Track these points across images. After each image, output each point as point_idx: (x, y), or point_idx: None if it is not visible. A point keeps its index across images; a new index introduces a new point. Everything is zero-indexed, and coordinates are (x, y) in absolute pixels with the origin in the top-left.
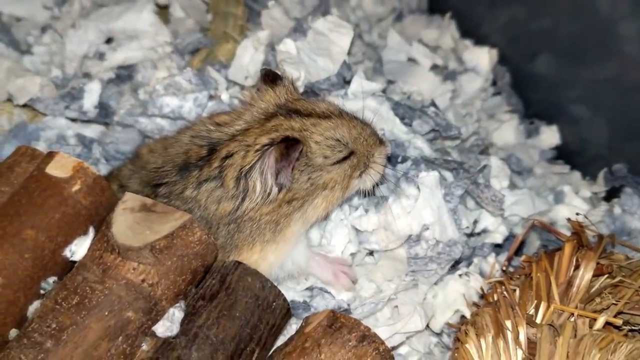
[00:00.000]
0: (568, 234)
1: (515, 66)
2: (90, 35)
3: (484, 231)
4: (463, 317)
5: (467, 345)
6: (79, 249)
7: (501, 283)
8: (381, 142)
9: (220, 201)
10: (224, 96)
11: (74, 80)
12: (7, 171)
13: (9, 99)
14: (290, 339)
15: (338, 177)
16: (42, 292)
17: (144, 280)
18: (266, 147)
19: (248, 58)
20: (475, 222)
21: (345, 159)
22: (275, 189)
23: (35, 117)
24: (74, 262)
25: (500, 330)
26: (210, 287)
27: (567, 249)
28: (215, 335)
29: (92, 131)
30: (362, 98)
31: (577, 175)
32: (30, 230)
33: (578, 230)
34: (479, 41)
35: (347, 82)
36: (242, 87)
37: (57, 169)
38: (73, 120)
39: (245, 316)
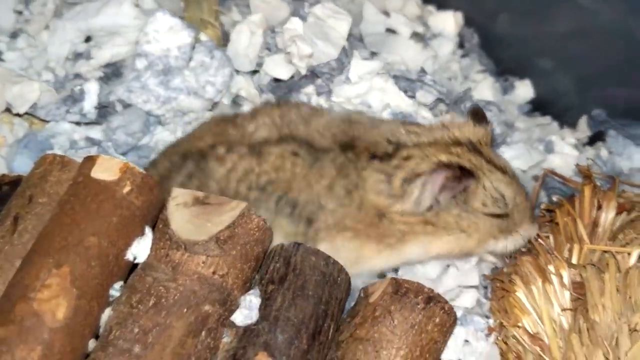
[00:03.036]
0: (576, 179)
1: (481, 27)
2: (70, 35)
3: None
4: (495, 268)
5: (517, 294)
6: (140, 250)
7: None
8: (533, 220)
9: (380, 194)
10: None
11: (68, 82)
12: (41, 181)
13: (7, 109)
14: (356, 311)
15: (483, 228)
16: (110, 299)
17: (214, 272)
18: (442, 165)
19: (245, 42)
20: None
21: (499, 216)
22: (426, 203)
23: (33, 125)
24: (135, 265)
25: (545, 276)
26: (277, 271)
27: (587, 192)
28: (295, 316)
29: (96, 132)
30: (368, 79)
31: (555, 125)
32: (92, 237)
33: (588, 175)
34: (442, 6)
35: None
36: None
37: (102, 172)
38: (77, 123)
39: (317, 294)
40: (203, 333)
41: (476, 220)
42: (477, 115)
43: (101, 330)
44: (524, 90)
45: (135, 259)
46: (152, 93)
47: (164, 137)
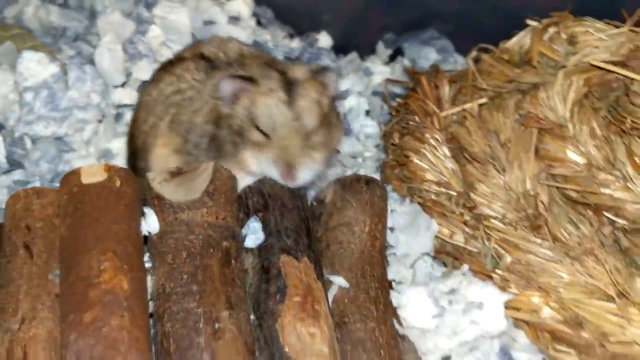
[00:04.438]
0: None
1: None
2: None
3: None
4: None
5: (414, 160)
6: (151, 225)
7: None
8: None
9: None
10: None
11: None
12: (27, 212)
13: None
14: (318, 213)
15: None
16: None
17: (217, 217)
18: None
19: (108, 60)
20: None
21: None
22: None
23: None
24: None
25: (425, 141)
26: (257, 203)
27: (423, 79)
28: (290, 224)
29: (19, 174)
30: None
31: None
32: (115, 225)
33: (414, 71)
34: None
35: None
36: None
37: (92, 177)
38: None
39: (295, 205)
40: (232, 261)
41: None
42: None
43: (152, 292)
44: (325, 40)
45: (151, 232)
46: (49, 117)
47: (73, 157)
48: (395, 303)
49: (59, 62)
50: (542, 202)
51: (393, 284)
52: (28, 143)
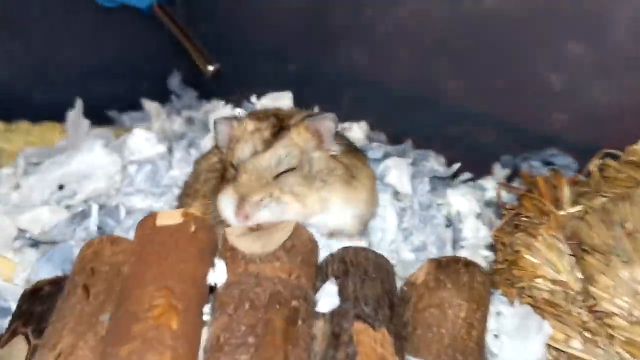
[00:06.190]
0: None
1: None
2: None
3: None
4: None
5: (525, 256)
6: (218, 276)
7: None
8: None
9: None
10: None
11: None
12: (97, 257)
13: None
14: (408, 296)
15: None
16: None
17: (290, 274)
18: None
19: None
20: None
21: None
22: None
23: None
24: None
25: (539, 234)
26: (337, 269)
27: (540, 181)
28: (370, 293)
29: None
30: None
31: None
32: (181, 264)
33: (531, 175)
34: None
35: None
36: None
37: (167, 220)
38: None
39: (379, 276)
40: (299, 322)
41: None
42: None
43: (206, 344)
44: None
45: (217, 282)
46: (148, 192)
47: None
48: None
49: (167, 143)
50: None
51: None
52: (122, 213)
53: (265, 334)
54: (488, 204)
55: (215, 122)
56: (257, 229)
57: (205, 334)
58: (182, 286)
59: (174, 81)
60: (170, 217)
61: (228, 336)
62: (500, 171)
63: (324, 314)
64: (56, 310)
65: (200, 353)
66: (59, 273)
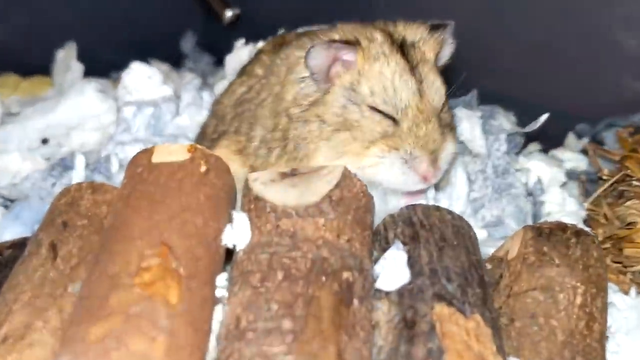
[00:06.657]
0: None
1: None
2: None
3: None
4: None
5: None
6: (239, 236)
7: None
8: (429, 153)
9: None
10: None
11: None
12: (71, 207)
13: None
14: (496, 277)
15: (365, 126)
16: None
17: (338, 235)
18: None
19: None
20: None
21: (386, 116)
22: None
23: None
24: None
25: None
26: (402, 234)
27: None
28: (453, 264)
29: None
30: None
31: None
32: (184, 212)
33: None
34: None
35: None
36: None
37: (167, 156)
38: None
39: (462, 243)
40: (355, 301)
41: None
42: (437, 27)
43: (220, 330)
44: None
45: (234, 245)
46: (148, 141)
47: None
48: None
49: (172, 85)
50: None
51: None
52: (114, 165)
53: (307, 317)
54: (570, 175)
55: (310, 53)
56: (292, 172)
57: (219, 314)
58: (186, 244)
59: (187, 44)
60: (172, 152)
61: (252, 318)
62: (574, 142)
63: (387, 293)
64: (10, 277)
65: (212, 341)
66: (29, 235)
